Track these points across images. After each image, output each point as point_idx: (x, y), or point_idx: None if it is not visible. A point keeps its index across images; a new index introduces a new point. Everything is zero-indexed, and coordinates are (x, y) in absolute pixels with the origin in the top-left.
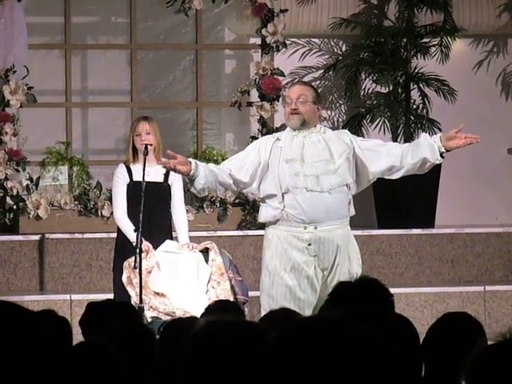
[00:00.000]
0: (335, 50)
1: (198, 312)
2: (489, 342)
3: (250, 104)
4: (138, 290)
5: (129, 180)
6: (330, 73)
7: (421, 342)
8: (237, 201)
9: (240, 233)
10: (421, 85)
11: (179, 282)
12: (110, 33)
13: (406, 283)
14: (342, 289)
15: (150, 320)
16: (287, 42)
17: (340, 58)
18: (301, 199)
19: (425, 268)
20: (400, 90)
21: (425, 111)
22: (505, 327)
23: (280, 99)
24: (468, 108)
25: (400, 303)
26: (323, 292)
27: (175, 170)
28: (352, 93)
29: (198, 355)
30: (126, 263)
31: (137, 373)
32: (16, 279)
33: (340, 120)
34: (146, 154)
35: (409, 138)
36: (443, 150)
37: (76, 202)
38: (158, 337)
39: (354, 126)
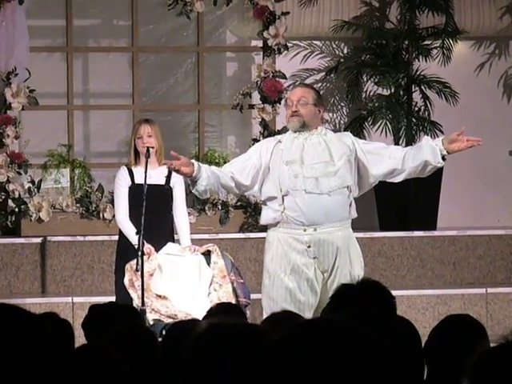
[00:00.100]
0: (337, 52)
1: (199, 314)
2: (491, 345)
3: (251, 106)
4: (139, 292)
5: (131, 182)
6: (332, 75)
7: (423, 344)
8: (239, 203)
9: (242, 235)
10: (422, 87)
11: (181, 284)
12: (111, 35)
13: (407, 285)
14: (344, 291)
15: (151, 322)
16: (289, 45)
17: (342, 60)
18: (300, 201)
19: (427, 270)
20: (402, 93)
21: (426, 113)
22: (507, 329)
23: (282, 102)
24: (470, 110)
25: (402, 305)
26: (324, 294)
27: (178, 172)
28: (354, 95)
29: (200, 358)
30: (127, 266)
31: (139, 375)
32: (18, 282)
33: (342, 122)
34: (147, 156)
35: (410, 141)
36: (445, 152)
37: (78, 205)
38: (159, 339)
39: (356, 128)
